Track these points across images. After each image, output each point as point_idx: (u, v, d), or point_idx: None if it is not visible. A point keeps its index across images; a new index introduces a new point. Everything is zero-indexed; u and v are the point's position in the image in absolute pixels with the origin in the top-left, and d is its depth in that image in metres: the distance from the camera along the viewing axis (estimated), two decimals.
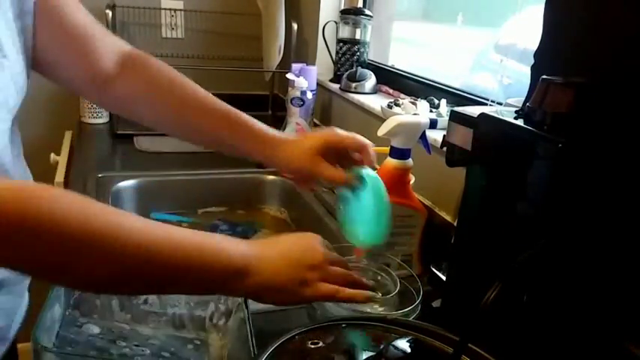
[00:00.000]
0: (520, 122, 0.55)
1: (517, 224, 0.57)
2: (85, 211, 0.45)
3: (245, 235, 1.17)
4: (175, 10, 1.83)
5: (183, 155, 1.40)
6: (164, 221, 0.50)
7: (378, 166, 0.70)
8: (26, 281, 0.72)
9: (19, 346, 0.75)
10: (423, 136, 0.89)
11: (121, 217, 0.48)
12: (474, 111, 0.63)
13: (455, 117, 0.70)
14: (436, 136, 0.97)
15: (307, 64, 1.49)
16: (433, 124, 0.98)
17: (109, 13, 1.56)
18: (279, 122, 1.47)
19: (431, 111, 1.15)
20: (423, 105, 1.15)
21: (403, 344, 0.52)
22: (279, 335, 0.53)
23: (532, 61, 0.60)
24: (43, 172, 1.24)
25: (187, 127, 0.74)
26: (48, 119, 1.76)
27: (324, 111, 1.64)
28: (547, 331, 0.54)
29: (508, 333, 0.55)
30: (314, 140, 0.68)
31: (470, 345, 0.52)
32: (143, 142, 1.48)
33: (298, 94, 1.37)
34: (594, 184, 0.50)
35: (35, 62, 0.65)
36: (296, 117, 1.38)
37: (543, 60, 0.59)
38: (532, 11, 0.72)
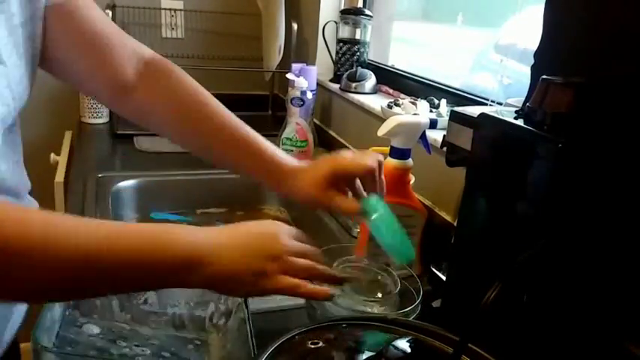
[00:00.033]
0: (520, 122, 0.55)
1: (517, 224, 0.57)
2: (24, 220, 0.44)
3: None
4: (175, 10, 1.84)
5: (183, 155, 1.37)
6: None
7: (385, 190, 0.70)
8: None
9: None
10: (423, 136, 0.89)
11: (58, 220, 0.46)
12: (474, 111, 0.63)
13: (455, 117, 0.70)
14: (436, 136, 0.98)
15: (307, 64, 1.49)
16: (433, 124, 0.98)
17: (109, 13, 1.57)
18: (279, 122, 1.46)
19: (431, 111, 1.15)
20: (423, 105, 1.15)
21: (403, 344, 0.52)
22: (279, 335, 0.53)
23: (532, 61, 0.60)
24: (43, 172, 1.25)
25: (202, 149, 0.75)
26: (48, 119, 1.77)
27: (324, 111, 1.64)
28: (547, 331, 0.54)
29: (508, 333, 0.55)
30: (323, 170, 0.67)
31: (470, 345, 0.52)
32: (143, 142, 1.48)
33: (298, 94, 1.37)
34: (594, 184, 0.50)
35: (57, 71, 0.66)
36: (296, 117, 1.38)
37: (543, 60, 0.59)
38: (532, 11, 0.73)
